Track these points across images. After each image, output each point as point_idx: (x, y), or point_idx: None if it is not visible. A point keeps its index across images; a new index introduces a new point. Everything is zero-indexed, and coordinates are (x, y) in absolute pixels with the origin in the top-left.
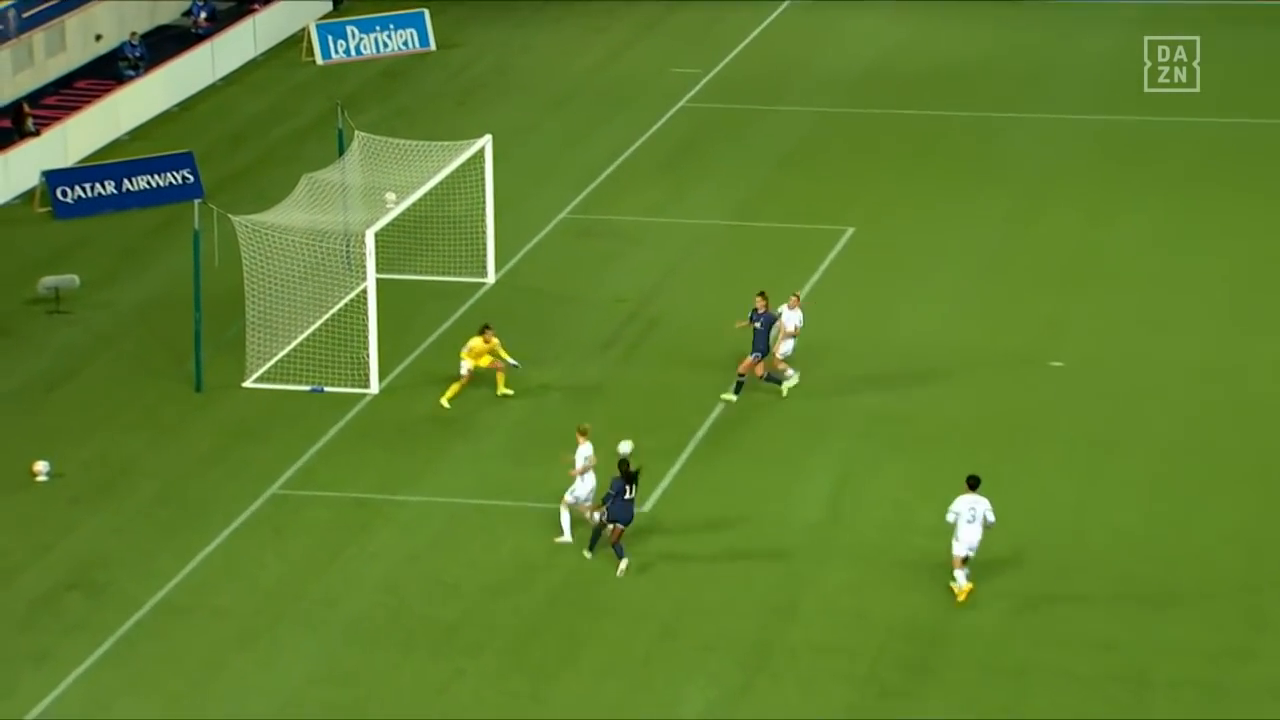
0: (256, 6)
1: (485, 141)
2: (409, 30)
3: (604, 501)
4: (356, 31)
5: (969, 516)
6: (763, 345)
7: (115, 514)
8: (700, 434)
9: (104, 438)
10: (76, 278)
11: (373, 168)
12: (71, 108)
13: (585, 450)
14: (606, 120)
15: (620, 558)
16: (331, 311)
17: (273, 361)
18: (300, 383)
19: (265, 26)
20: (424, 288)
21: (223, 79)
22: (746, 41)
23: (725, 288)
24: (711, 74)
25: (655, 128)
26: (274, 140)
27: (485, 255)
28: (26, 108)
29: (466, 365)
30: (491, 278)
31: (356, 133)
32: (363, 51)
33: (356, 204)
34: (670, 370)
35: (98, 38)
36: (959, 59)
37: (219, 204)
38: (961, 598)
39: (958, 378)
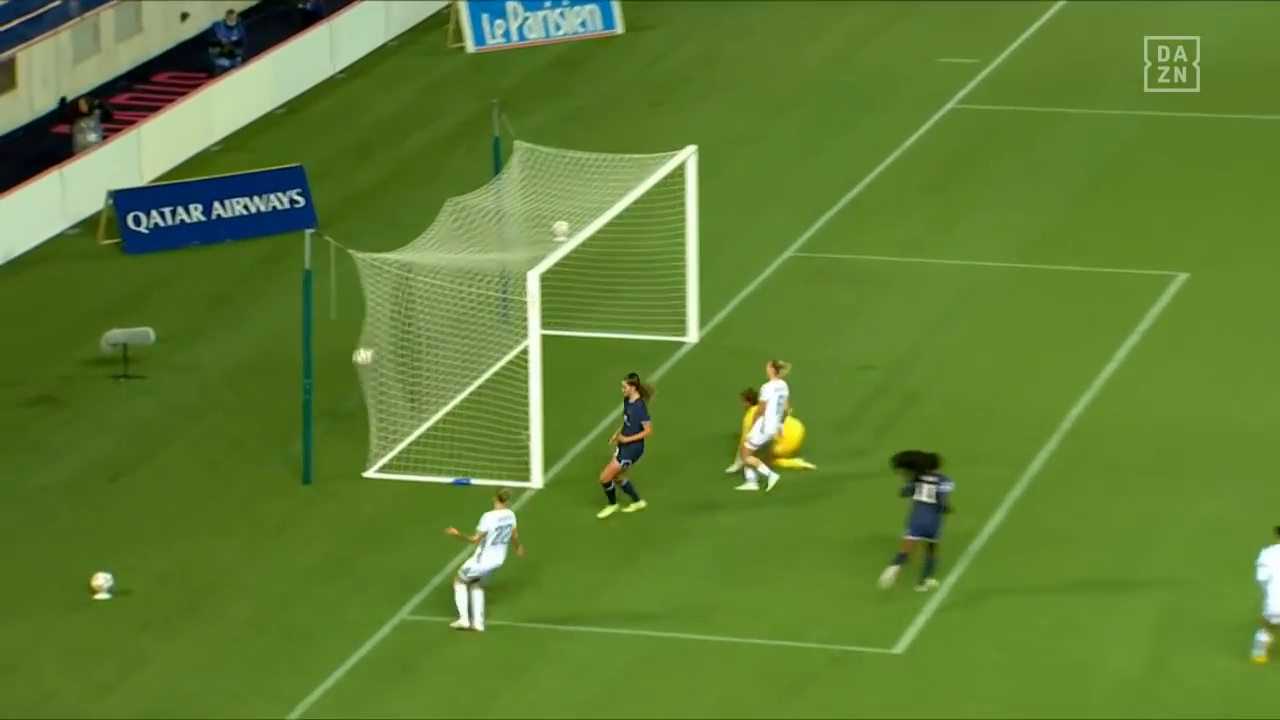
0: None
1: (688, 154)
2: (589, 7)
3: (903, 494)
4: (520, 9)
5: None
6: (631, 453)
7: (197, 644)
8: (975, 547)
9: (184, 543)
10: (151, 331)
11: (539, 189)
12: (148, 108)
13: (496, 519)
14: (850, 127)
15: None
16: (482, 379)
17: (404, 444)
18: (439, 473)
19: (400, 2)
20: (604, 348)
21: (344, 71)
22: (1041, 21)
23: (1009, 352)
24: (993, 64)
25: (915, 137)
26: (410, 152)
27: (686, 306)
28: (85, 106)
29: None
30: (694, 335)
31: (518, 142)
32: (528, 35)
33: (516, 237)
34: None
35: (184, 17)
36: None
37: (337, 236)
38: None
39: None
